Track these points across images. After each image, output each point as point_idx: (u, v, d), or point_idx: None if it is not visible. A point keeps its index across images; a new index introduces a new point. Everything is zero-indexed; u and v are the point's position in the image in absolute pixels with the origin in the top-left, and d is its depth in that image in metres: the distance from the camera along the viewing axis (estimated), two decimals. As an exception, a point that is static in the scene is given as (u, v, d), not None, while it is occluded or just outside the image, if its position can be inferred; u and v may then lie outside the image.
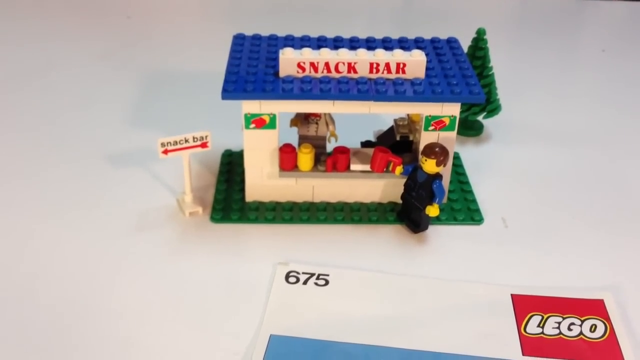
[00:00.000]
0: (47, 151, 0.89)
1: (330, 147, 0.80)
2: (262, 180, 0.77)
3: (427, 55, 0.74)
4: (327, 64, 0.72)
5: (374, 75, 0.72)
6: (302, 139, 0.79)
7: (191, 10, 1.42)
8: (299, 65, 0.71)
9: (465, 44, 0.85)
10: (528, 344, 0.62)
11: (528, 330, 0.63)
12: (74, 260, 0.71)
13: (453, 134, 0.75)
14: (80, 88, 1.05)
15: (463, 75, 0.75)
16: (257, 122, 0.73)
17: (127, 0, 1.41)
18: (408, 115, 0.81)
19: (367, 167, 0.76)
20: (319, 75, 0.72)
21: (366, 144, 0.85)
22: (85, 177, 0.84)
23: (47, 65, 1.12)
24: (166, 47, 1.21)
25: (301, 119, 0.79)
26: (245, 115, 0.72)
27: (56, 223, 0.76)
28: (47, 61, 1.13)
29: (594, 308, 0.66)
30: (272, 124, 0.73)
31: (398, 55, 0.72)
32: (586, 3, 1.49)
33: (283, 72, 0.72)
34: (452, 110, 0.73)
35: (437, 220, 0.77)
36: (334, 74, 0.72)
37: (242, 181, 0.80)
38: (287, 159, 0.76)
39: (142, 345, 0.61)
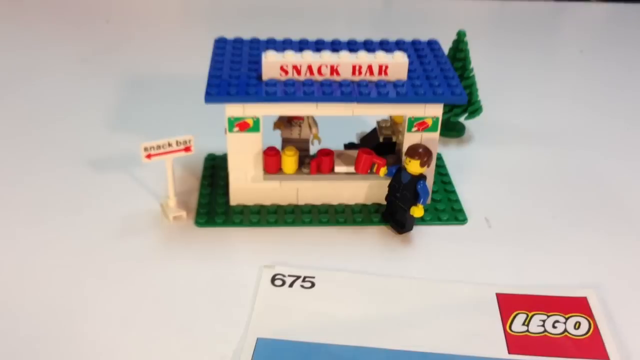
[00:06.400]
0: (28, 157, 0.88)
1: (314, 149, 0.80)
2: (246, 184, 0.77)
3: (408, 57, 0.75)
4: (310, 67, 0.72)
5: (356, 78, 0.73)
6: (286, 142, 0.79)
7: (171, 14, 1.42)
8: (281, 68, 0.71)
9: (445, 46, 0.85)
10: (513, 342, 0.63)
11: (513, 328, 0.64)
12: (57, 266, 0.70)
13: (436, 135, 0.75)
14: (60, 93, 1.04)
15: (445, 76, 0.75)
16: (241, 125, 0.73)
17: (106, 5, 1.40)
18: (391, 116, 0.81)
19: (351, 169, 0.76)
20: (302, 78, 0.72)
21: (349, 146, 0.85)
22: (68, 182, 0.83)
23: (27, 71, 1.11)
24: (147, 52, 1.20)
25: (284, 122, 0.79)
26: (229, 118, 0.72)
27: (38, 229, 0.75)
28: (27, 67, 1.12)
29: (578, 305, 0.66)
30: (255, 127, 0.73)
31: (380, 57, 0.72)
32: (564, 5, 1.51)
33: (266, 75, 0.72)
34: (434, 111, 0.73)
35: (422, 220, 0.77)
36: (316, 77, 0.72)
37: (226, 185, 0.80)
38: (271, 162, 0.76)
39: (129, 351, 0.61)
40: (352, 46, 0.81)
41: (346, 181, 0.78)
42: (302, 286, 0.68)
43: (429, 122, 0.74)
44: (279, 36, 0.83)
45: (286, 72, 0.72)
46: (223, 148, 0.80)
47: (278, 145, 0.78)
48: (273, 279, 0.69)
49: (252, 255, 0.72)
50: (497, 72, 1.15)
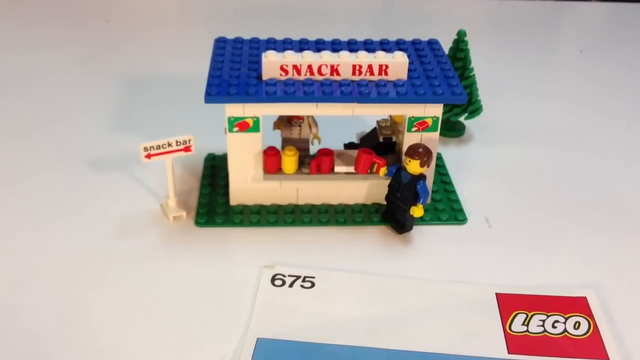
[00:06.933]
0: (28, 157, 0.88)
1: (314, 149, 0.80)
2: (246, 184, 0.77)
3: (408, 56, 0.75)
4: (310, 67, 0.72)
5: (356, 77, 0.73)
6: (286, 142, 0.79)
7: (171, 14, 1.42)
8: (281, 68, 0.71)
9: (445, 46, 0.85)
10: (513, 342, 0.63)
11: (513, 328, 0.64)
12: (57, 266, 0.70)
13: (436, 134, 0.75)
14: (60, 93, 1.04)
15: (445, 76, 0.75)
16: (241, 125, 0.73)
17: (106, 5, 1.40)
18: (390, 116, 0.81)
19: (351, 169, 0.76)
20: (302, 77, 0.72)
21: (349, 146, 0.85)
22: (68, 183, 0.83)
23: (27, 71, 1.11)
24: (147, 51, 1.20)
25: (284, 122, 0.79)
26: (229, 118, 0.72)
27: (39, 229, 0.75)
28: (27, 67, 1.12)
29: (578, 305, 0.66)
30: (255, 127, 0.73)
31: (380, 57, 0.72)
32: (564, 4, 1.51)
33: (266, 75, 0.72)
34: (434, 111, 0.73)
35: (421, 220, 0.77)
36: (317, 77, 0.72)
37: (226, 185, 0.80)
38: (271, 161, 0.76)
39: (129, 351, 0.61)
40: (352, 46, 0.81)
41: (346, 181, 0.78)
42: (302, 286, 0.68)
43: (429, 121, 0.74)
44: (279, 36, 0.83)
45: (286, 72, 0.72)
46: (223, 148, 0.80)
47: (278, 145, 0.78)
48: (273, 279, 0.69)
49: (252, 255, 0.72)
50: (497, 72, 1.15)
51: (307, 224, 0.77)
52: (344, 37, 0.83)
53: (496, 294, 0.68)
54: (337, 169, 0.77)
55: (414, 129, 0.74)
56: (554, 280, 0.70)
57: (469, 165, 0.89)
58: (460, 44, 0.91)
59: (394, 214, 0.76)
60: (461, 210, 0.79)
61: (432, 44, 0.82)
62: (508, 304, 0.66)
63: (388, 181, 0.75)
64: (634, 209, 0.82)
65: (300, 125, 0.79)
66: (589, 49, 1.28)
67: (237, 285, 0.68)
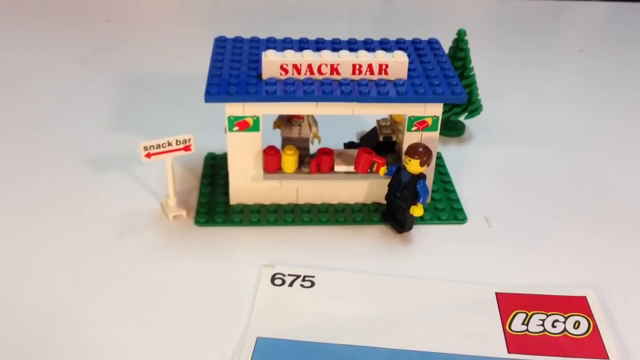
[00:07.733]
0: (28, 157, 0.88)
1: (314, 148, 0.80)
2: (246, 183, 0.77)
3: (408, 56, 0.75)
4: (310, 66, 0.72)
5: (356, 77, 0.73)
6: (286, 141, 0.79)
7: (171, 13, 1.42)
8: (281, 67, 0.71)
9: (445, 45, 0.85)
10: (513, 341, 0.63)
11: (513, 327, 0.64)
12: (56, 266, 0.70)
13: (436, 134, 0.75)
14: (60, 93, 1.04)
15: (445, 75, 0.75)
16: (241, 124, 0.73)
17: (106, 4, 1.40)
18: (390, 116, 0.81)
19: (351, 168, 0.76)
20: (302, 77, 0.72)
21: (349, 145, 0.85)
22: (68, 182, 0.83)
23: (27, 71, 1.11)
24: (146, 51, 1.20)
25: (284, 121, 0.79)
26: (229, 117, 0.72)
27: (38, 229, 0.75)
28: (27, 66, 1.12)
29: (577, 305, 0.66)
30: (255, 127, 0.73)
31: (380, 56, 0.72)
32: (564, 4, 1.51)
33: (266, 74, 0.72)
34: (434, 110, 0.73)
35: (421, 220, 0.77)
36: (317, 76, 0.72)
37: (226, 184, 0.80)
38: (271, 161, 0.76)
39: (128, 351, 0.61)
40: (352, 45, 0.81)
41: (346, 180, 0.78)
42: (302, 285, 0.68)
43: (429, 121, 0.74)
44: (279, 35, 0.83)
45: (286, 71, 0.72)
46: (223, 147, 0.80)
47: (278, 145, 0.78)
48: (273, 279, 0.68)
49: (252, 254, 0.72)
50: (497, 71, 1.15)
51: (307, 223, 0.77)
52: (344, 37, 0.83)
53: (496, 293, 0.68)
54: (337, 168, 0.77)
55: (414, 128, 0.74)
56: (554, 279, 0.70)
57: (468, 164, 0.89)
58: (460, 44, 0.91)
59: (394, 214, 0.76)
60: (461, 210, 0.79)
61: (432, 44, 0.82)
62: (508, 304, 0.66)
63: (388, 180, 0.75)
64: (634, 208, 0.82)
65: (300, 125, 0.79)
66: (589, 49, 1.28)
67: (237, 284, 0.68)
